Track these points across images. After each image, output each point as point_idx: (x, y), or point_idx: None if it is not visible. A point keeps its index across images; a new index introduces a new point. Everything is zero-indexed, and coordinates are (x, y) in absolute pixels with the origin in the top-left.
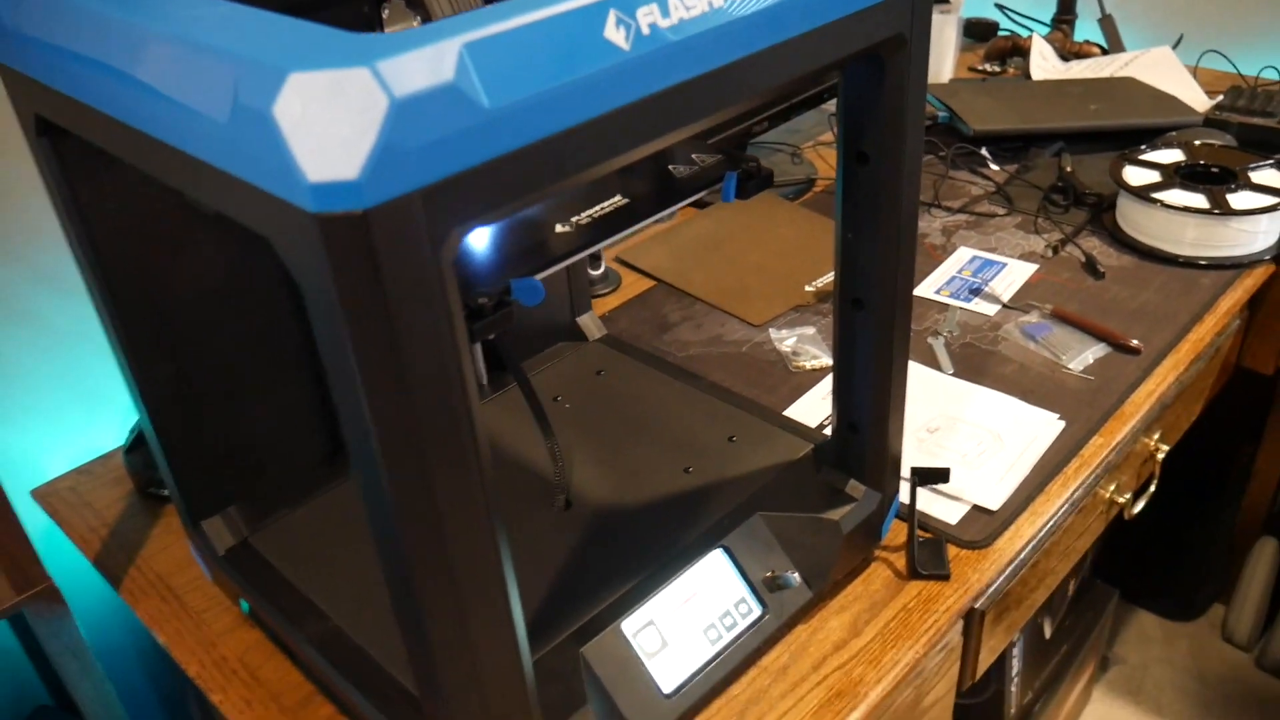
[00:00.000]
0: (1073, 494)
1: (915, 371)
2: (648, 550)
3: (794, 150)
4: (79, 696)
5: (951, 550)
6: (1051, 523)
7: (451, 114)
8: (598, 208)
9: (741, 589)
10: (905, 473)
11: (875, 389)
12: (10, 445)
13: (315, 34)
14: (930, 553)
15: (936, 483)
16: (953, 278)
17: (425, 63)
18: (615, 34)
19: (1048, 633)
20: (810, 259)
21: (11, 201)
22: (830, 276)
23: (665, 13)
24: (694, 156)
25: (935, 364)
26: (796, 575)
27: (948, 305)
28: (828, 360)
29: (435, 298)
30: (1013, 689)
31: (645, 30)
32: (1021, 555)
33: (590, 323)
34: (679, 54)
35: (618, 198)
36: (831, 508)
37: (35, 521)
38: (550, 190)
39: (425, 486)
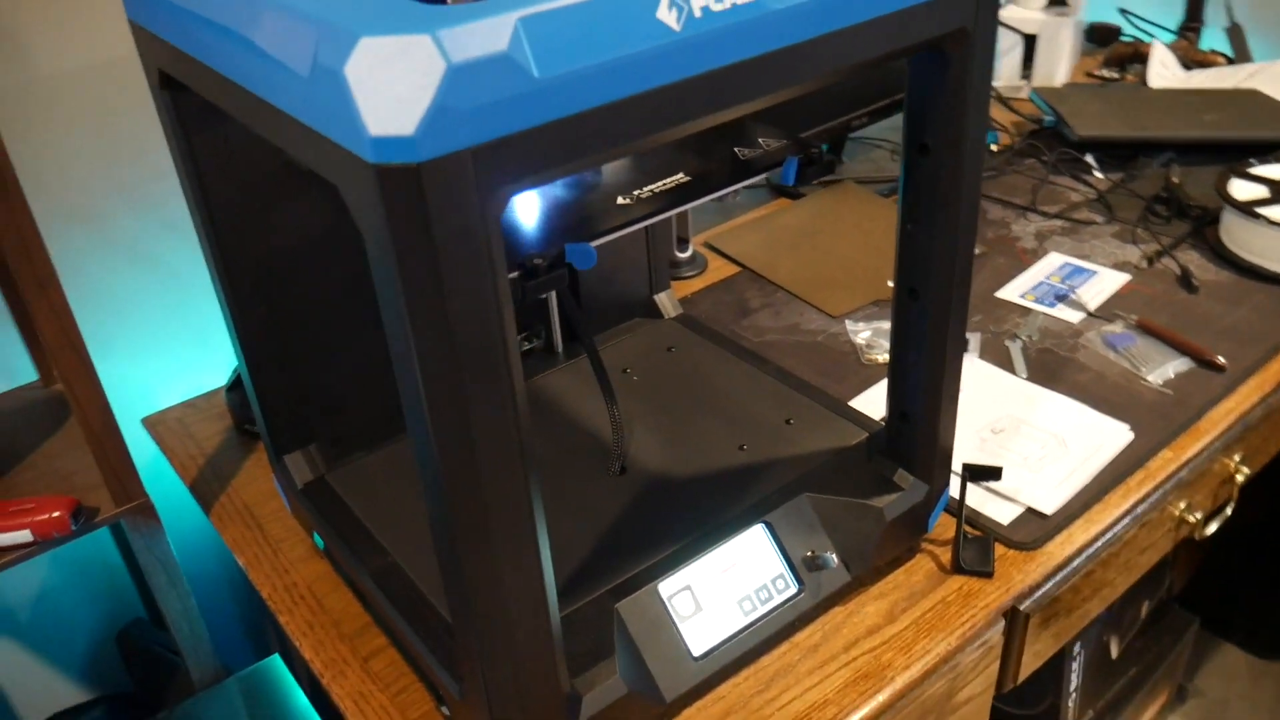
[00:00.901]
0: (1134, 506)
1: (987, 372)
2: (692, 519)
3: (894, 147)
4: (165, 608)
5: (999, 550)
6: (1110, 533)
7: (503, 81)
8: (660, 183)
9: (780, 565)
10: (958, 468)
11: (927, 380)
12: (128, 376)
13: (392, 3)
14: (976, 550)
15: (987, 480)
16: (1040, 283)
17: (482, 33)
18: (668, 15)
19: (1114, 652)
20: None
21: (147, 156)
22: None
23: None
24: (761, 141)
25: (1010, 367)
26: (834, 556)
27: (1030, 309)
28: None
29: (480, 249)
30: (1070, 704)
31: (698, 13)
32: (1074, 562)
33: (667, 301)
34: (730, 37)
35: (680, 175)
36: (877, 495)
37: (144, 448)
38: (597, 158)
39: (463, 426)
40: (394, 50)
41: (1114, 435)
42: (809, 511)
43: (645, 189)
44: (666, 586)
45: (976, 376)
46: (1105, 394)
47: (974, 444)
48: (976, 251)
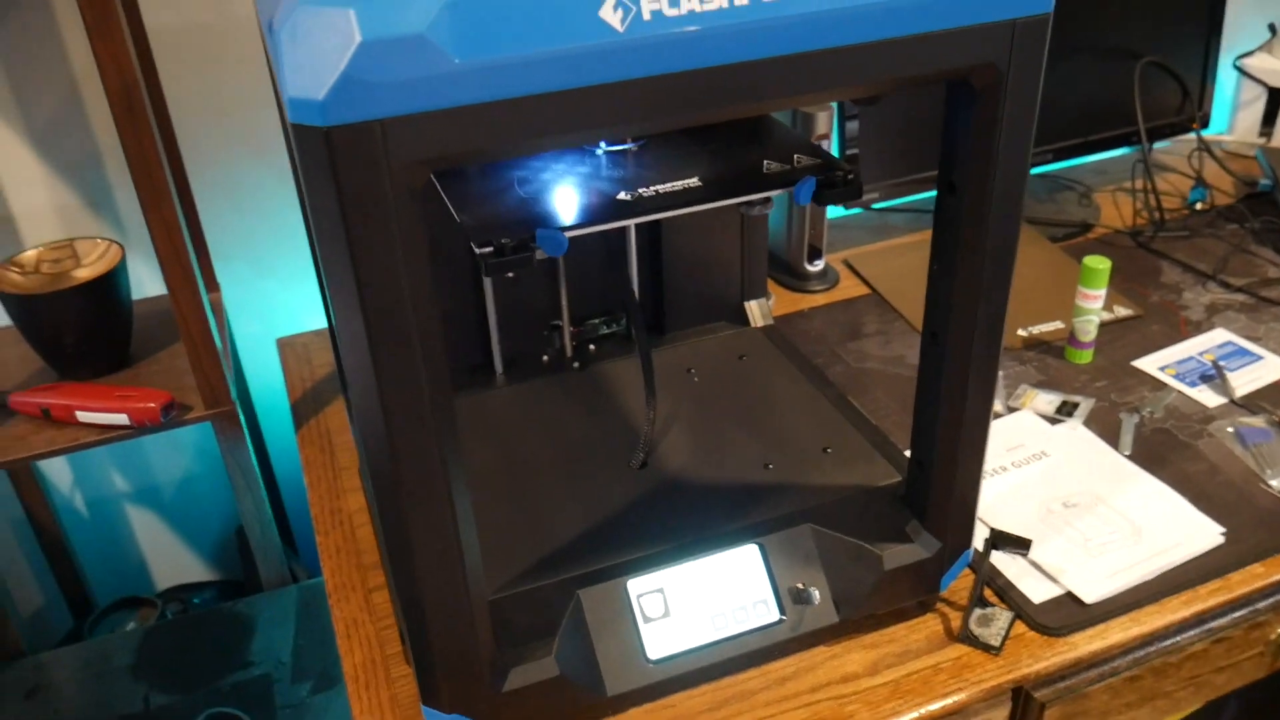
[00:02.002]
0: (1200, 617)
1: (1085, 442)
2: (690, 525)
3: (1085, 190)
4: (241, 508)
5: (1019, 628)
6: (1165, 641)
7: (418, 61)
8: (669, 184)
9: (766, 590)
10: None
11: (945, 430)
12: (280, 299)
13: None
14: (988, 621)
15: (1014, 550)
16: (1188, 358)
17: (404, 12)
18: (611, 15)
19: None
20: (1042, 303)
21: None
22: (1052, 325)
23: (674, 2)
24: (796, 156)
25: (1114, 440)
26: (816, 593)
27: (1165, 385)
28: (997, 406)
29: (390, 219)
30: None
31: (646, 15)
32: (1113, 661)
33: (757, 309)
34: (683, 45)
35: (694, 179)
36: (883, 541)
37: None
38: (522, 146)
39: (373, 393)
40: (320, 20)
41: (1200, 535)
42: (809, 543)
43: (652, 187)
44: (637, 584)
45: (1072, 444)
46: (1212, 490)
47: (1037, 512)
48: (1128, 314)
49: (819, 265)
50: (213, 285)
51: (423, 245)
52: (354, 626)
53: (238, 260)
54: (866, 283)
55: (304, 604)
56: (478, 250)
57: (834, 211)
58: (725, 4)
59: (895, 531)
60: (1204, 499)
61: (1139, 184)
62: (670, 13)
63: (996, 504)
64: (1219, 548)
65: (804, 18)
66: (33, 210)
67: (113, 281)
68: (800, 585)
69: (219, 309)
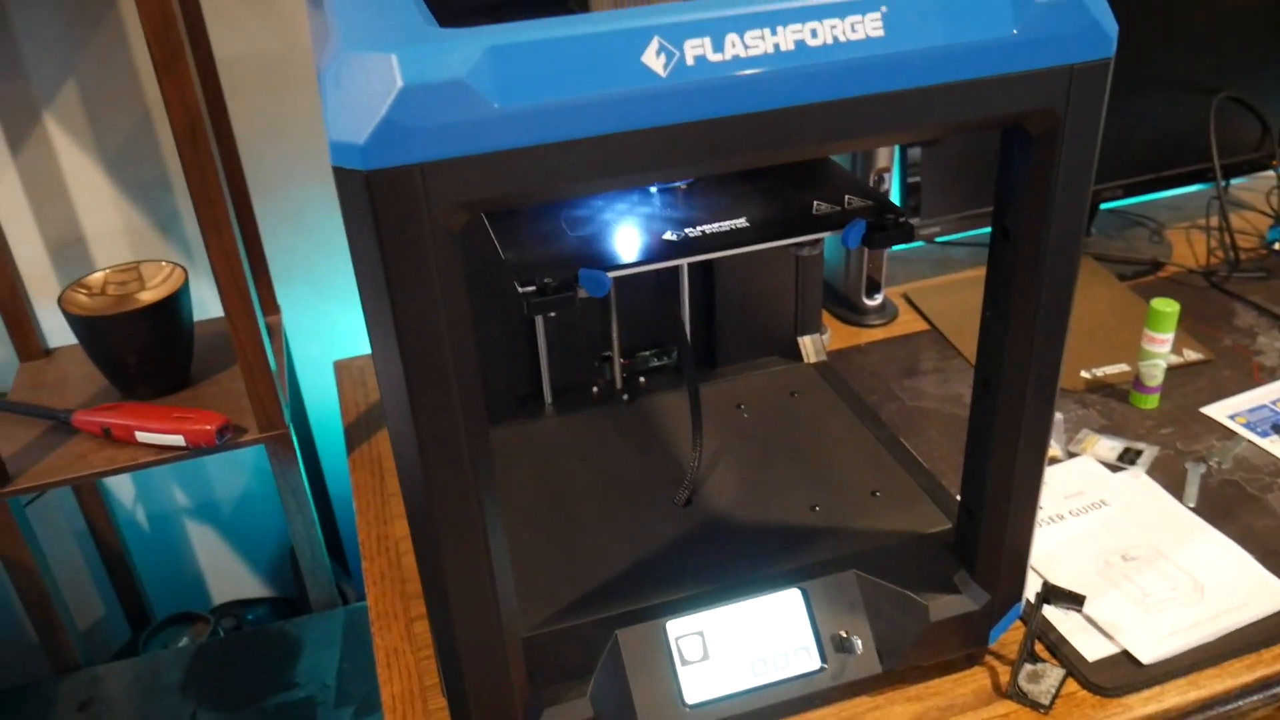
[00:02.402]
0: (1264, 682)
1: (1148, 492)
2: (732, 566)
3: (1157, 227)
4: (292, 528)
5: (1071, 687)
6: (1226, 706)
7: (458, 106)
8: (717, 224)
9: (807, 636)
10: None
11: (996, 481)
12: (339, 321)
13: (406, 21)
14: (1038, 678)
15: (1067, 605)
16: (1260, 406)
17: (445, 57)
18: (654, 60)
19: None
20: (1105, 344)
21: None
22: (1117, 368)
23: (718, 47)
24: (848, 197)
25: (1178, 491)
26: (859, 642)
27: (1235, 433)
28: (1056, 451)
29: (429, 263)
30: None
31: (690, 61)
32: None
33: (810, 345)
34: (727, 90)
35: (742, 220)
36: (930, 591)
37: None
38: (563, 191)
39: (412, 427)
40: (362, 65)
41: (1267, 595)
42: (854, 589)
43: (700, 227)
44: (676, 626)
45: (1134, 493)
46: None
47: (1095, 564)
48: (1198, 358)
49: (877, 299)
50: (273, 308)
51: (462, 288)
52: (394, 656)
53: (299, 283)
54: (926, 318)
55: (350, 627)
56: (520, 289)
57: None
58: (771, 49)
59: (943, 581)
60: (1272, 556)
61: (1214, 222)
62: (714, 58)
63: (1052, 554)
64: None
65: (851, 63)
66: (104, 231)
67: (175, 305)
68: (843, 633)
69: (278, 331)
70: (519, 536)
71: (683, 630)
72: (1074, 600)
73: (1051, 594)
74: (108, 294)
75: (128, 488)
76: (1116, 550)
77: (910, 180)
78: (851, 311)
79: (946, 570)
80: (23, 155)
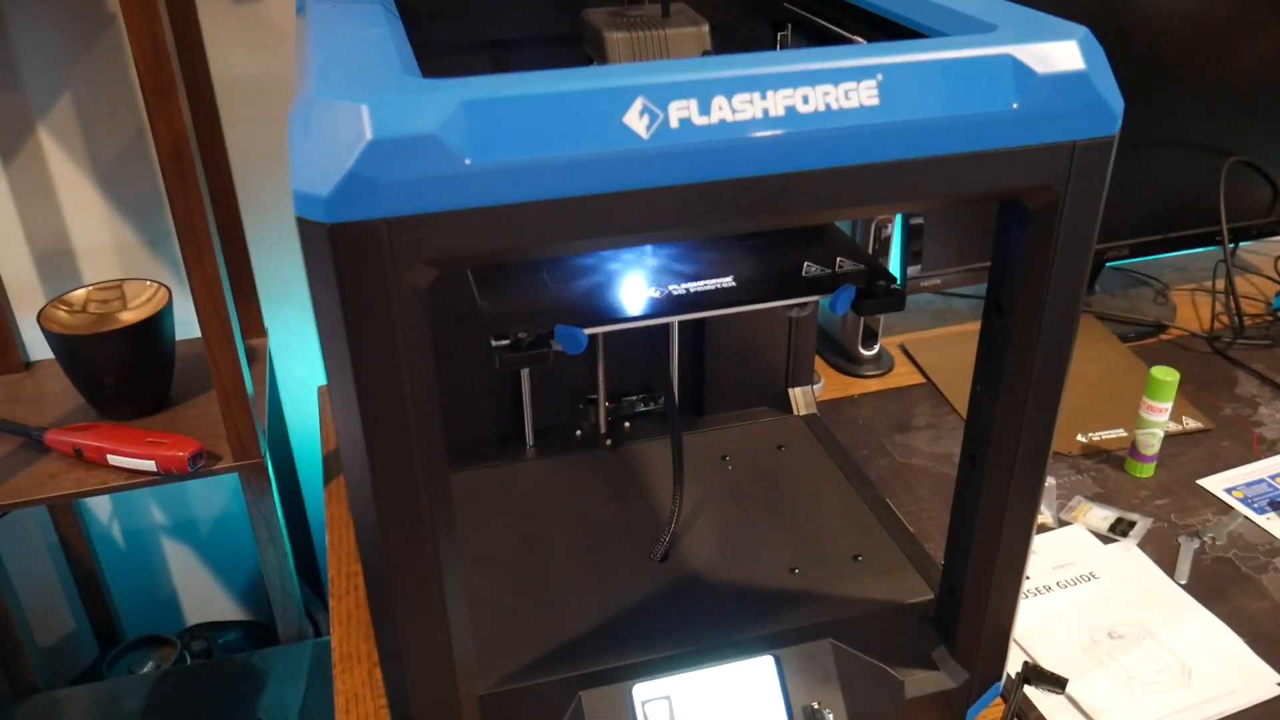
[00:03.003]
0: None
1: (1138, 566)
2: (704, 629)
3: (1162, 288)
4: (263, 558)
5: None
6: None
7: (428, 161)
8: (701, 283)
9: (779, 706)
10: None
11: (978, 558)
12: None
13: (384, 66)
14: None
15: (1048, 687)
16: (1259, 480)
17: (417, 111)
18: (636, 121)
19: None
20: (1102, 408)
21: None
22: (1113, 432)
23: (705, 110)
24: (839, 260)
25: (1169, 567)
26: (831, 715)
27: (1231, 509)
28: (1047, 518)
29: (394, 320)
30: None
31: (674, 123)
32: None
33: (801, 397)
34: (713, 155)
35: (729, 279)
36: (907, 666)
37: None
38: (537, 250)
39: (369, 484)
40: (332, 113)
41: (1256, 684)
42: (828, 659)
43: (684, 285)
44: (643, 690)
45: (1124, 567)
46: (1273, 632)
47: (1079, 641)
48: (1198, 427)
49: (874, 350)
50: (259, 330)
51: (427, 345)
52: (354, 701)
53: (288, 305)
54: (922, 371)
55: (318, 661)
56: (493, 342)
57: None
58: (759, 114)
59: (921, 656)
60: (1263, 641)
61: (1220, 285)
62: (700, 121)
63: (1037, 627)
64: (1276, 699)
65: (843, 132)
66: (93, 245)
67: (156, 326)
68: (815, 704)
69: (262, 354)
70: (486, 586)
71: (650, 694)
72: (1056, 683)
73: (1033, 675)
74: (89, 312)
75: (104, 503)
76: (1104, 627)
77: (914, 222)
78: (847, 361)
79: (926, 644)
80: (14, 165)
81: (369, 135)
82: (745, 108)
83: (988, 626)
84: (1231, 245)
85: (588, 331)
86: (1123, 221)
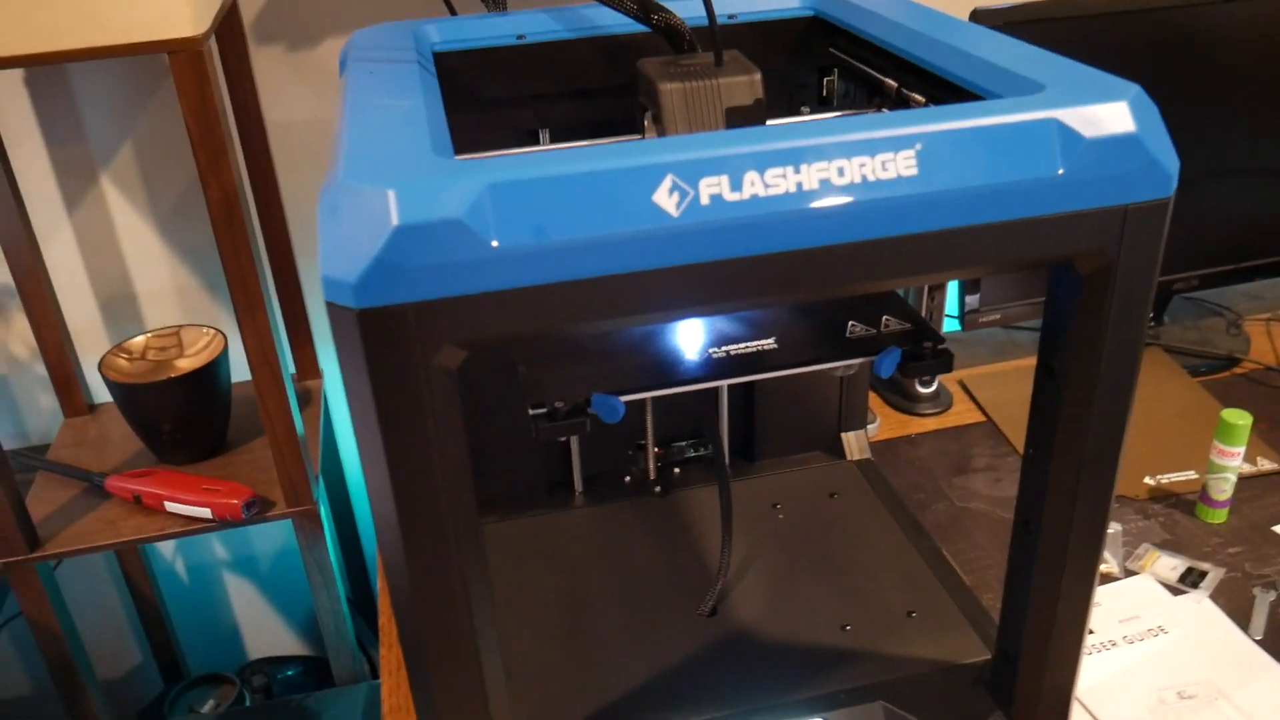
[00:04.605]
0: None
1: (1210, 619)
2: (753, 689)
3: (1235, 318)
4: (316, 603)
5: None
6: None
7: (455, 246)
8: (743, 345)
9: None
10: None
11: (1033, 626)
12: None
13: (412, 147)
14: None
15: None
16: None
17: (443, 195)
18: (666, 199)
19: None
20: (1173, 447)
21: None
22: (1184, 475)
23: (736, 186)
24: (884, 319)
25: (1245, 620)
26: None
27: None
28: (1113, 567)
29: (423, 403)
30: None
31: (705, 200)
32: None
33: (854, 442)
34: (745, 231)
35: (770, 340)
36: None
37: None
38: (567, 330)
39: (404, 561)
40: (358, 198)
41: None
42: None
43: (725, 348)
44: None
45: (1195, 621)
46: None
47: (1148, 701)
48: (1273, 469)
49: (932, 388)
50: (314, 372)
51: (458, 424)
52: None
53: None
54: (981, 409)
55: (372, 704)
56: (530, 411)
57: (952, 324)
58: (793, 188)
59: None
60: None
61: None
62: (731, 197)
63: (1102, 686)
64: None
65: (881, 204)
66: (153, 290)
67: (212, 373)
68: None
69: (316, 396)
70: (528, 641)
71: None
72: None
73: None
74: (147, 359)
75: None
76: (1172, 686)
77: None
78: (903, 398)
79: (982, 708)
80: (78, 214)
81: (395, 221)
82: (778, 182)
83: (1045, 695)
84: None
85: (626, 399)
86: (1193, 251)
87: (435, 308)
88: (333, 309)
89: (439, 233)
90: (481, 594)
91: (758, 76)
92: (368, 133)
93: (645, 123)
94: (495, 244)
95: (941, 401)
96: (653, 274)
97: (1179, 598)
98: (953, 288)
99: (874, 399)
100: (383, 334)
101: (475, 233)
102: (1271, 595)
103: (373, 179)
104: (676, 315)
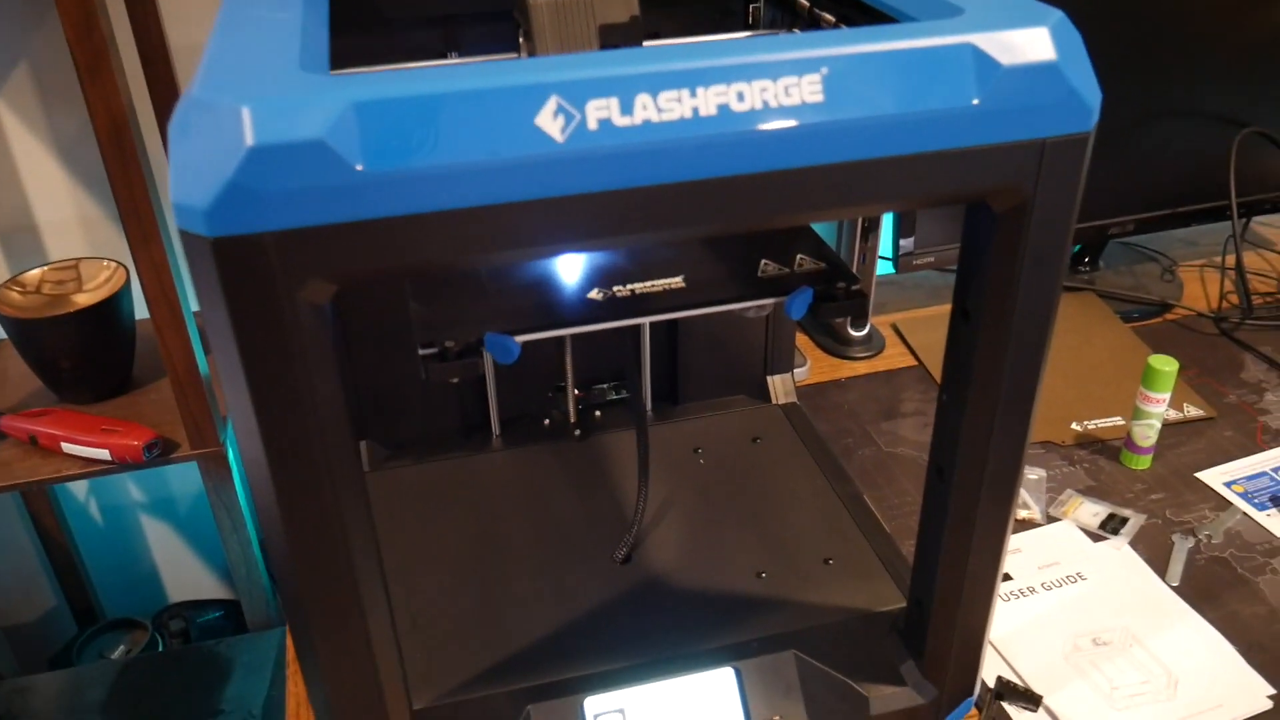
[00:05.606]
0: None
1: (1128, 566)
2: (664, 637)
3: (1169, 265)
4: (226, 546)
5: None
6: None
7: (316, 169)
8: (648, 283)
9: (737, 719)
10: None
11: (946, 575)
12: None
13: (278, 62)
14: None
15: (1021, 704)
16: (1260, 473)
17: (304, 113)
18: (550, 123)
19: None
20: (1102, 394)
21: None
22: (1111, 421)
23: (627, 109)
24: (799, 257)
25: (1161, 568)
26: None
27: (1230, 504)
28: (1035, 514)
29: (289, 338)
30: None
31: (592, 125)
32: None
33: (780, 386)
34: (636, 159)
35: (678, 278)
36: (873, 681)
37: None
38: (442, 264)
39: (275, 506)
40: (211, 115)
41: (1244, 695)
42: (791, 672)
43: (627, 286)
44: (595, 703)
45: (1113, 567)
46: (1267, 641)
47: (1061, 649)
48: (1199, 415)
49: (864, 330)
50: None
51: (329, 360)
52: (303, 706)
53: None
54: (913, 353)
55: (283, 651)
56: (420, 350)
57: (886, 267)
58: (688, 113)
59: (889, 670)
60: (1256, 650)
61: (1230, 261)
62: (622, 122)
63: (1018, 633)
64: (1266, 713)
65: (784, 133)
66: (56, 220)
67: (112, 308)
68: (778, 718)
69: None
70: (435, 589)
71: (602, 708)
72: (1030, 700)
73: (1005, 691)
74: (43, 293)
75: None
76: (1088, 633)
77: None
78: (835, 341)
79: (894, 657)
80: None
81: (250, 141)
82: (672, 106)
83: (957, 643)
84: (1243, 220)
85: (521, 339)
86: (1129, 195)
87: (298, 237)
88: (186, 238)
89: (298, 154)
90: (364, 544)
91: None
92: (232, 46)
93: (520, 41)
94: (360, 168)
95: (874, 345)
96: (535, 204)
97: (1099, 544)
98: (886, 229)
99: (805, 341)
100: (240, 265)
101: (338, 155)
102: (1190, 542)
103: (227, 94)
104: (563, 250)
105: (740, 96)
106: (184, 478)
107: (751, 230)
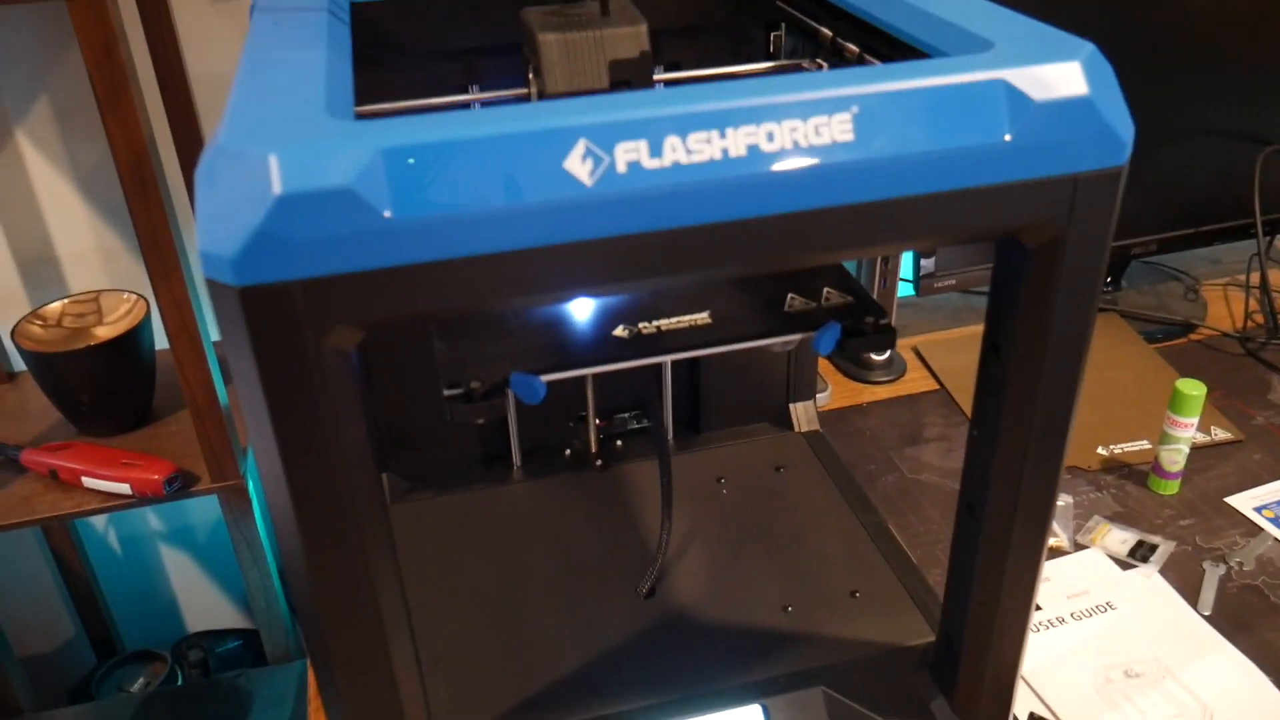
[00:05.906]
0: None
1: (1159, 595)
2: (690, 674)
3: (1192, 284)
4: (247, 579)
5: None
6: None
7: (345, 217)
8: (674, 319)
9: None
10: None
11: (977, 610)
12: None
13: (304, 107)
14: None
15: None
16: None
17: (329, 160)
18: (579, 166)
19: None
20: (1127, 417)
21: None
22: (1137, 445)
23: (656, 152)
24: (826, 291)
25: (1192, 596)
26: None
27: (1261, 530)
28: (1063, 541)
29: (315, 384)
30: None
31: (621, 168)
32: None
33: (802, 413)
34: (665, 201)
35: (704, 314)
36: (904, 718)
37: None
38: (471, 308)
39: (303, 561)
40: (238, 164)
41: None
42: (820, 709)
43: (655, 322)
44: None
45: (1144, 596)
46: None
47: (1093, 680)
48: (1227, 438)
49: (885, 355)
50: None
51: (356, 407)
52: None
53: None
54: (935, 377)
55: (304, 684)
56: (445, 392)
57: (907, 289)
58: (718, 154)
59: (919, 707)
60: None
61: (1255, 279)
62: (650, 164)
63: (1048, 665)
64: None
65: (814, 172)
66: (76, 251)
67: (133, 341)
68: None
69: None
70: (457, 624)
71: None
72: None
73: None
74: (64, 326)
75: None
76: (1119, 665)
77: None
78: (856, 366)
79: (924, 693)
80: None
81: (278, 189)
82: (702, 148)
83: (989, 680)
84: (1268, 238)
85: (547, 379)
86: (1151, 215)
87: (325, 285)
88: (213, 286)
89: (327, 202)
90: (389, 586)
91: (643, 28)
92: (258, 90)
93: (530, 77)
94: (388, 215)
95: (895, 369)
96: (564, 248)
97: (1128, 572)
98: (907, 252)
99: (826, 366)
100: (267, 314)
101: (366, 203)
102: (1221, 569)
103: (255, 142)
104: (591, 292)
105: (770, 137)
106: (203, 507)
107: (785, 269)
